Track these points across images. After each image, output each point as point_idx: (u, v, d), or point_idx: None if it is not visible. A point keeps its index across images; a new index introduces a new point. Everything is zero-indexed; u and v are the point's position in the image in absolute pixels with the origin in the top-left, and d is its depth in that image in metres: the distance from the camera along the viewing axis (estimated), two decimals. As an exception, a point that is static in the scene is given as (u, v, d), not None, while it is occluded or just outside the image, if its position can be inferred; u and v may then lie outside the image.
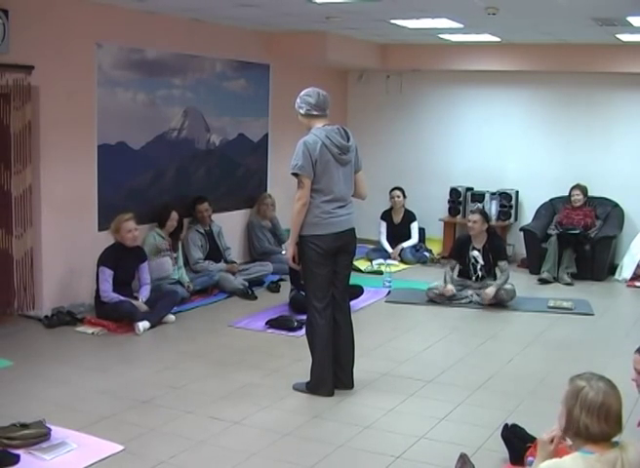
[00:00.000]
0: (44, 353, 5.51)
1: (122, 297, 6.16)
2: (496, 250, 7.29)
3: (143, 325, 6.01)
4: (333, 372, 4.78)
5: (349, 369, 4.89)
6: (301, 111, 4.69)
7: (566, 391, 2.65)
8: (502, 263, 7.25)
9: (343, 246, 4.73)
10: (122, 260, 6.25)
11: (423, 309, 7.18)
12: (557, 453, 2.73)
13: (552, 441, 2.73)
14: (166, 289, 6.69)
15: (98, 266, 6.20)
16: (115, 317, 6.10)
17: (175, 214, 7.05)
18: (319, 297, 4.72)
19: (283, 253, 7.97)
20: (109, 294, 6.13)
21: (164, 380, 4.98)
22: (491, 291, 7.14)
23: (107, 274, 6.14)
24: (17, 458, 3.67)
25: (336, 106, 10.51)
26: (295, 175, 4.58)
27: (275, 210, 8.59)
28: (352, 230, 4.80)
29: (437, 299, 7.28)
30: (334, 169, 4.61)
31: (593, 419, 2.54)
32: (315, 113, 4.66)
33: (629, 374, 3.42)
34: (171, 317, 6.39)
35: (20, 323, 6.15)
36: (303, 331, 5.94)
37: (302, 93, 4.71)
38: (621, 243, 8.86)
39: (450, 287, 7.19)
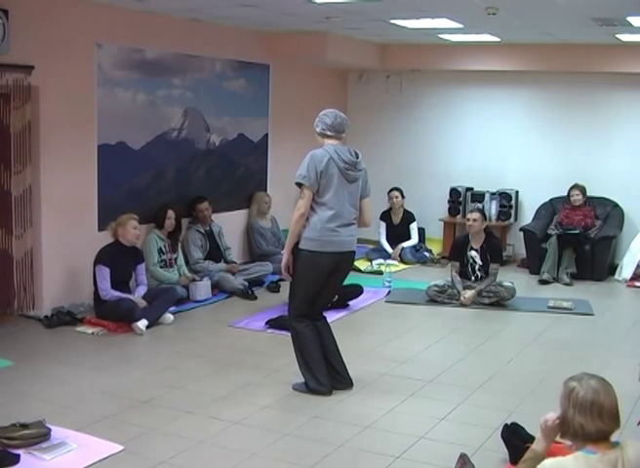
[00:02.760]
0: (44, 353, 5.50)
1: (122, 295, 6.17)
2: (492, 250, 7.29)
3: (142, 323, 6.02)
4: (328, 375, 4.80)
5: (343, 369, 4.90)
6: (317, 129, 4.76)
7: (560, 394, 2.66)
8: (493, 266, 7.24)
9: (339, 266, 4.74)
10: (119, 259, 6.26)
11: (423, 309, 7.18)
12: (557, 452, 2.73)
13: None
14: (163, 287, 6.69)
15: (94, 265, 6.20)
16: (115, 315, 6.10)
17: (171, 213, 7.05)
18: (300, 307, 4.78)
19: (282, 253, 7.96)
20: (109, 292, 6.14)
21: (164, 380, 4.98)
22: (470, 294, 7.16)
23: (105, 272, 6.15)
24: (17, 458, 3.67)
25: (336, 106, 10.47)
26: (298, 184, 4.61)
27: (271, 208, 8.61)
28: (352, 253, 4.80)
29: (437, 298, 7.28)
30: (339, 184, 4.62)
31: (587, 418, 2.55)
32: (329, 133, 4.71)
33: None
34: (169, 317, 6.36)
35: (20, 323, 6.16)
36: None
37: (322, 112, 4.77)
38: (621, 243, 8.86)
39: (469, 294, 7.17)
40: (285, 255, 4.76)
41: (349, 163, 4.65)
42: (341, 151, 4.65)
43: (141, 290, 6.45)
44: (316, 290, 4.74)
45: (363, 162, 4.77)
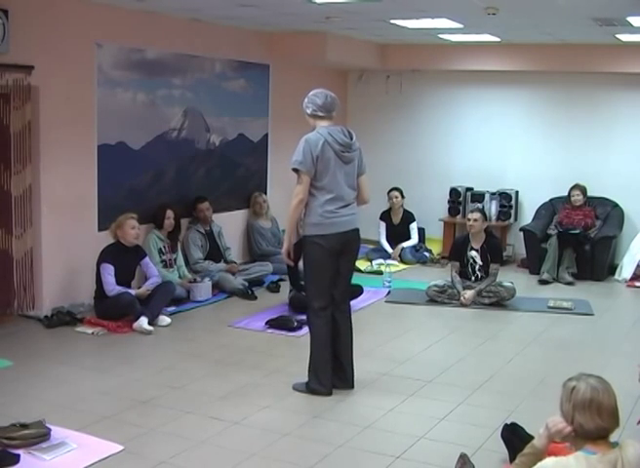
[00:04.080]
0: (44, 353, 5.51)
1: (126, 289, 6.20)
2: (492, 250, 7.29)
3: (144, 321, 6.00)
4: (332, 372, 4.79)
5: (349, 368, 4.89)
6: (308, 111, 4.72)
7: (560, 395, 2.67)
8: (494, 266, 7.24)
9: (347, 246, 4.72)
10: (121, 259, 6.27)
11: (423, 309, 7.18)
12: (557, 452, 2.73)
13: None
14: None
15: (98, 265, 6.21)
16: (115, 310, 6.11)
17: (170, 212, 7.05)
18: (318, 298, 4.72)
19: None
20: (114, 287, 6.13)
21: (164, 380, 4.98)
22: (470, 294, 7.16)
23: (110, 269, 6.16)
24: (17, 458, 3.67)
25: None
26: (295, 170, 4.58)
27: (269, 208, 8.60)
28: (356, 231, 4.78)
29: (437, 298, 7.28)
30: (336, 167, 4.60)
31: (586, 415, 2.56)
32: (320, 114, 4.68)
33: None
34: (165, 319, 6.31)
35: (20, 323, 6.15)
36: (303, 331, 5.97)
37: (311, 93, 4.73)
38: (621, 243, 8.86)
39: (469, 294, 7.17)
40: (285, 241, 4.78)
41: (344, 145, 4.63)
42: (335, 133, 4.62)
43: (155, 280, 6.44)
44: (329, 275, 4.69)
45: (357, 141, 4.75)
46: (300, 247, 4.76)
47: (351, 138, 4.69)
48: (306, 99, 4.72)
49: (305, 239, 4.68)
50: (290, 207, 4.64)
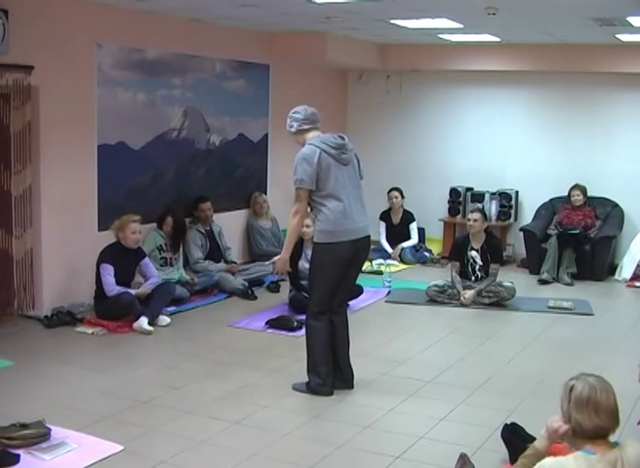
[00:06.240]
0: (44, 353, 5.51)
1: (126, 289, 6.20)
2: (492, 250, 7.29)
3: (144, 321, 5.99)
4: (332, 373, 4.79)
5: (347, 368, 4.90)
6: (292, 130, 4.74)
7: (560, 394, 2.68)
8: (494, 266, 7.23)
9: (358, 253, 4.73)
10: (121, 259, 6.26)
11: (423, 309, 7.18)
12: (558, 452, 2.74)
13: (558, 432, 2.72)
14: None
15: (98, 265, 6.20)
16: (115, 311, 6.11)
17: (169, 220, 7.08)
18: (319, 304, 4.74)
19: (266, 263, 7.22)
20: (114, 287, 6.13)
21: (164, 380, 4.98)
22: (470, 294, 7.16)
23: (109, 269, 6.15)
24: (17, 458, 3.67)
25: (336, 106, 10.59)
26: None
27: (269, 208, 8.59)
28: (368, 238, 4.80)
29: (437, 298, 7.28)
30: (336, 171, 4.61)
31: (584, 414, 2.57)
32: (306, 127, 4.70)
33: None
34: (165, 319, 6.31)
35: (20, 323, 6.16)
36: (303, 331, 5.96)
37: (290, 113, 4.76)
38: (621, 243, 8.86)
39: (469, 294, 7.17)
40: (284, 253, 4.77)
41: (338, 147, 4.63)
42: (327, 139, 4.63)
43: (154, 280, 6.42)
44: (336, 282, 4.70)
45: (350, 143, 4.76)
46: (300, 248, 4.76)
47: (343, 140, 4.71)
48: (288, 120, 4.76)
49: (318, 247, 4.67)
50: (290, 224, 4.67)
